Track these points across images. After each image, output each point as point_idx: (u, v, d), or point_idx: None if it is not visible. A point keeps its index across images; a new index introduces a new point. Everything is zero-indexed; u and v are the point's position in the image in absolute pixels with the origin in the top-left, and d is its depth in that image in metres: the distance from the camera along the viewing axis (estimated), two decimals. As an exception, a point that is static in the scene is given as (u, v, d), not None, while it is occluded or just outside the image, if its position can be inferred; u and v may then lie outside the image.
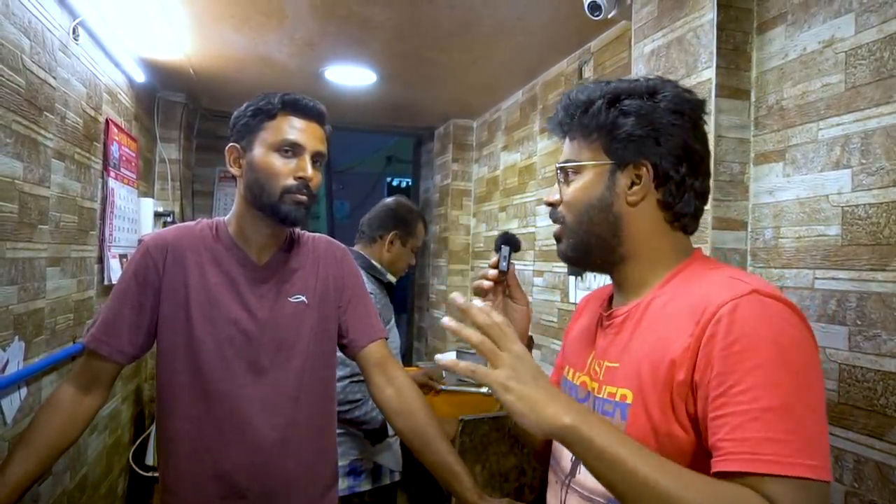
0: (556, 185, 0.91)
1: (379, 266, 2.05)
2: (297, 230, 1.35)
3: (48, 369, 1.88)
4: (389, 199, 2.17)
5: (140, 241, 1.26)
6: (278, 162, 1.17)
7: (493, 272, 0.99)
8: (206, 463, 1.18)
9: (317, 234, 1.38)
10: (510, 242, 1.01)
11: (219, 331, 1.19)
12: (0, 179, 1.55)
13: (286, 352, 1.23)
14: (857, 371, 1.23)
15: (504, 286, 1.02)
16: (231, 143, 1.23)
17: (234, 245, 1.24)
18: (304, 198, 1.18)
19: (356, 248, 2.09)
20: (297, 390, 1.24)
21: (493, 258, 1.01)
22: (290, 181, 1.17)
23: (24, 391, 1.71)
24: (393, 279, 2.09)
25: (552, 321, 2.72)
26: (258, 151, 1.18)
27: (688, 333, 0.74)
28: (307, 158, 1.18)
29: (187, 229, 1.27)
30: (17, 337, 1.66)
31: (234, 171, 1.24)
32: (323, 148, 1.22)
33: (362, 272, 1.72)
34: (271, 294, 1.23)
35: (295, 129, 1.18)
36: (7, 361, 1.60)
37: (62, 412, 1.18)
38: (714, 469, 0.68)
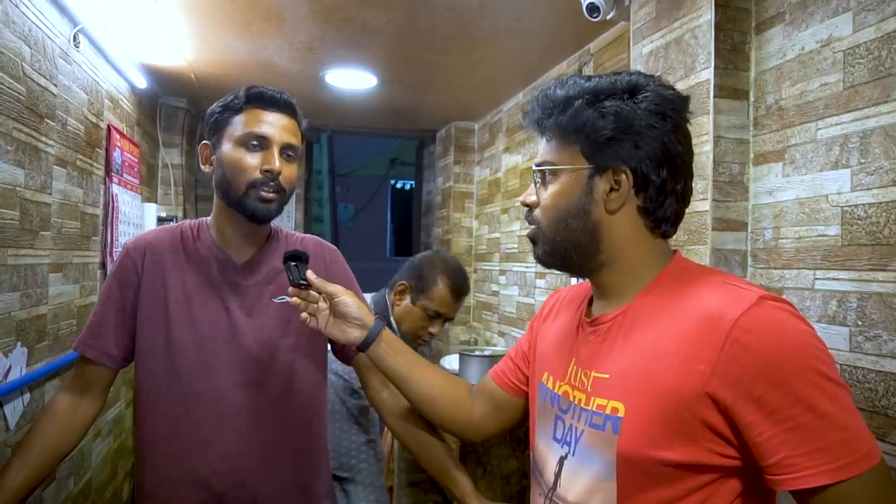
0: (532, 185, 0.88)
1: (391, 317, 1.83)
2: (284, 230, 1.31)
3: (51, 375, 1.89)
4: (431, 250, 2.02)
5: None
6: (245, 156, 1.14)
7: (292, 290, 1.07)
8: (184, 468, 1.15)
9: (307, 235, 1.34)
10: (293, 258, 1.08)
11: (198, 331, 1.17)
12: (1, 187, 1.56)
13: (270, 352, 1.19)
14: (859, 372, 1.22)
15: (319, 293, 1.08)
16: (203, 142, 1.22)
17: (214, 244, 1.21)
18: (270, 193, 1.14)
19: (385, 289, 1.88)
20: (283, 392, 1.20)
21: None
22: (257, 175, 1.13)
23: (27, 397, 1.72)
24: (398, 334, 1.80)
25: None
26: (226, 147, 1.16)
27: (698, 349, 0.72)
28: (275, 151, 1.14)
29: (168, 230, 1.25)
30: (19, 343, 1.67)
31: (206, 168, 1.22)
32: (294, 140, 1.18)
33: None
34: (253, 292, 1.20)
35: (261, 121, 1.15)
36: (10, 367, 1.61)
37: (58, 420, 1.18)
38: (793, 487, 0.68)
